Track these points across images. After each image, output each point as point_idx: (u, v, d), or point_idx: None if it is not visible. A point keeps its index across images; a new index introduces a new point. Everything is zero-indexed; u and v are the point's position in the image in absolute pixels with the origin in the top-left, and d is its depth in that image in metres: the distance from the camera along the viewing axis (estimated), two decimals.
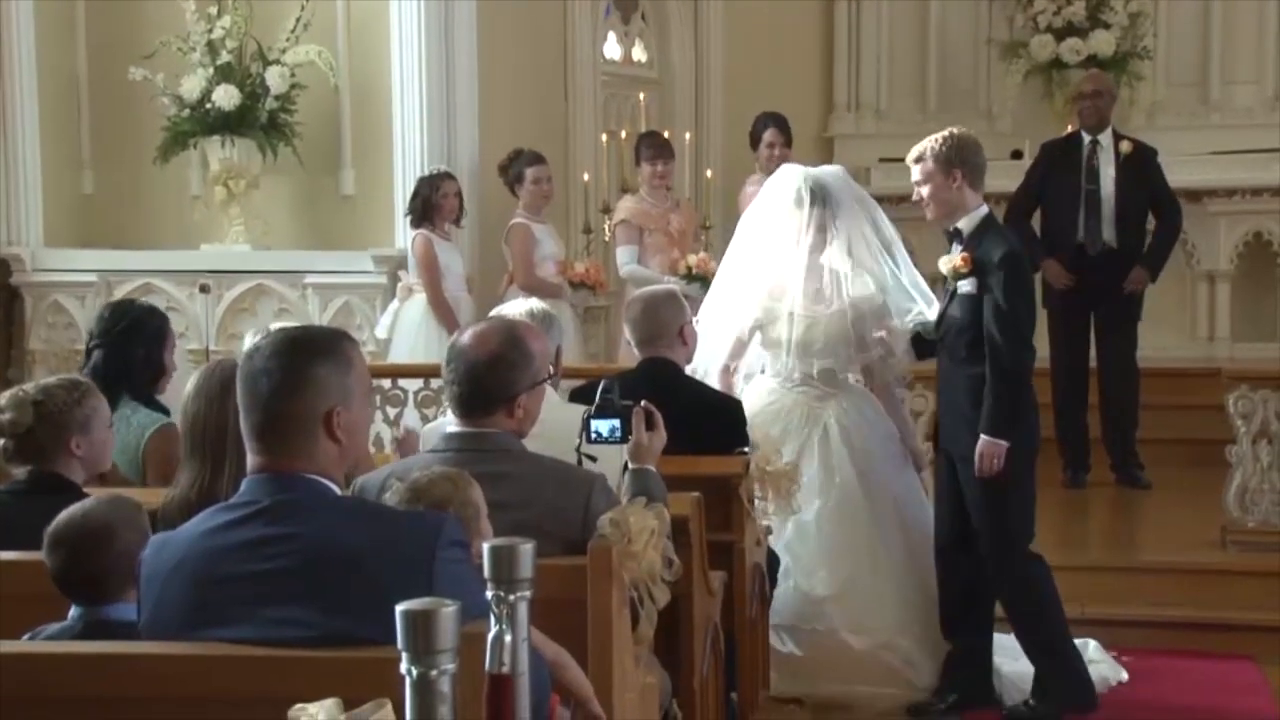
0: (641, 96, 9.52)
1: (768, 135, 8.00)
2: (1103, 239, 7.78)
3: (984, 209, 5.35)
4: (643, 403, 3.93)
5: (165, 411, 4.66)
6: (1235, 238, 9.27)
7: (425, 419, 6.50)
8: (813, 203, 5.62)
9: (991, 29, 10.06)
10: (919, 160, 5.31)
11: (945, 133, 5.37)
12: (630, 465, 3.89)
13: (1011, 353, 5.14)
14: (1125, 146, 7.85)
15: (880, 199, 9.48)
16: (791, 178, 5.73)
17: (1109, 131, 7.95)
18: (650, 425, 3.92)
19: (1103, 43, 9.54)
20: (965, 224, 5.29)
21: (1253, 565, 6.36)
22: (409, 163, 7.97)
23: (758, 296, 5.64)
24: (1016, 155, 9.43)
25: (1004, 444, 5.12)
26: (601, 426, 3.87)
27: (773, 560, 5.38)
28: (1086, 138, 7.93)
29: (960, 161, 5.24)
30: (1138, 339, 7.89)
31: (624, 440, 3.89)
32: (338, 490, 2.72)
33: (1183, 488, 7.02)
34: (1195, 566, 6.46)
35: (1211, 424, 6.81)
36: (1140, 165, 7.80)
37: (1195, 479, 6.97)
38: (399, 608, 1.84)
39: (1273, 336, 9.31)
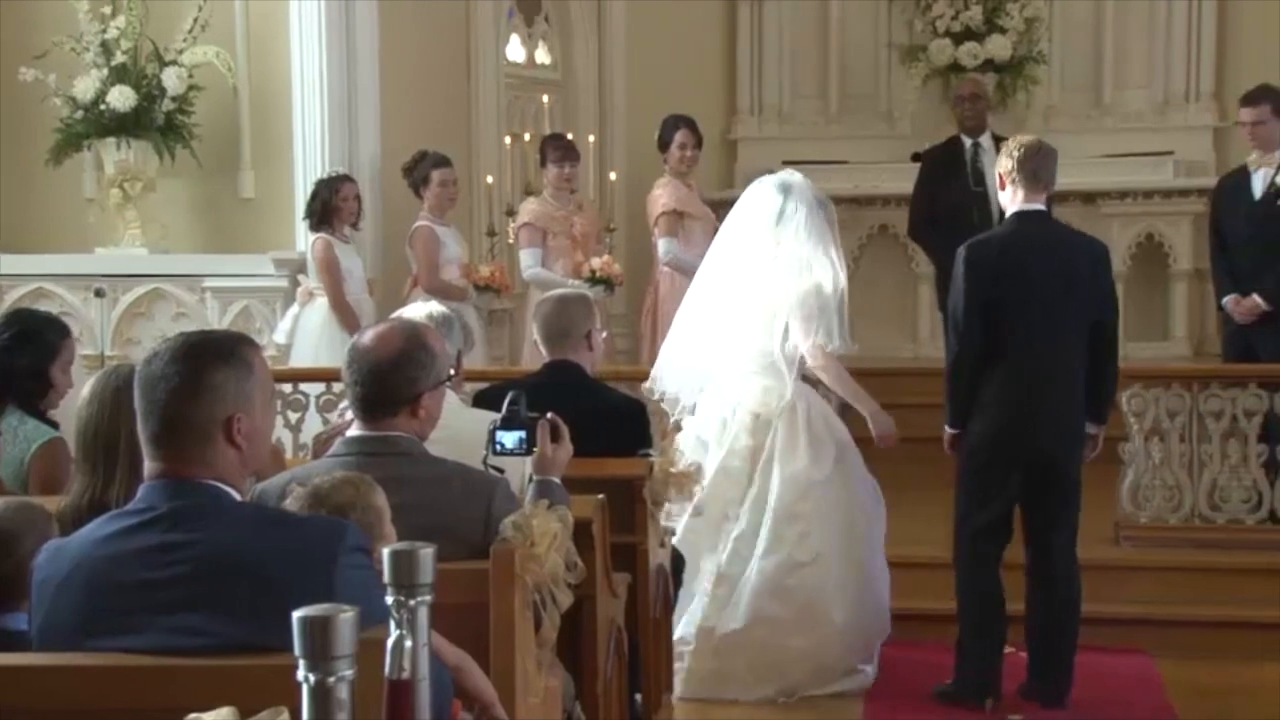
0: (545, 99, 9.51)
1: (679, 137, 8.03)
2: None
3: None
4: (549, 415, 3.92)
5: (54, 425, 4.55)
6: (1128, 239, 9.44)
7: (327, 423, 6.44)
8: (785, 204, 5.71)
9: (891, 33, 10.16)
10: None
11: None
12: (535, 477, 3.89)
13: (948, 346, 5.51)
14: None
15: None
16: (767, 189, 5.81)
17: (988, 134, 8.09)
18: (556, 437, 3.91)
19: (999, 47, 9.67)
20: None
21: (1146, 560, 6.49)
22: (310, 165, 7.89)
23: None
24: (916, 158, 9.53)
25: (949, 430, 5.49)
26: (507, 438, 3.86)
27: (677, 561, 5.40)
28: (967, 141, 8.06)
29: None
30: None
31: (529, 452, 3.88)
32: (238, 496, 2.70)
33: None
34: (1090, 562, 6.54)
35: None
36: None
37: (1090, 475, 7.05)
38: (296, 614, 1.82)
39: (1165, 336, 9.50)
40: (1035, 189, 5.45)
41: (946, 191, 7.96)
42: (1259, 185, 7.13)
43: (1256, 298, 7.01)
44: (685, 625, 5.58)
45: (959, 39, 9.75)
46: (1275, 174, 7.09)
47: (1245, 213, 7.14)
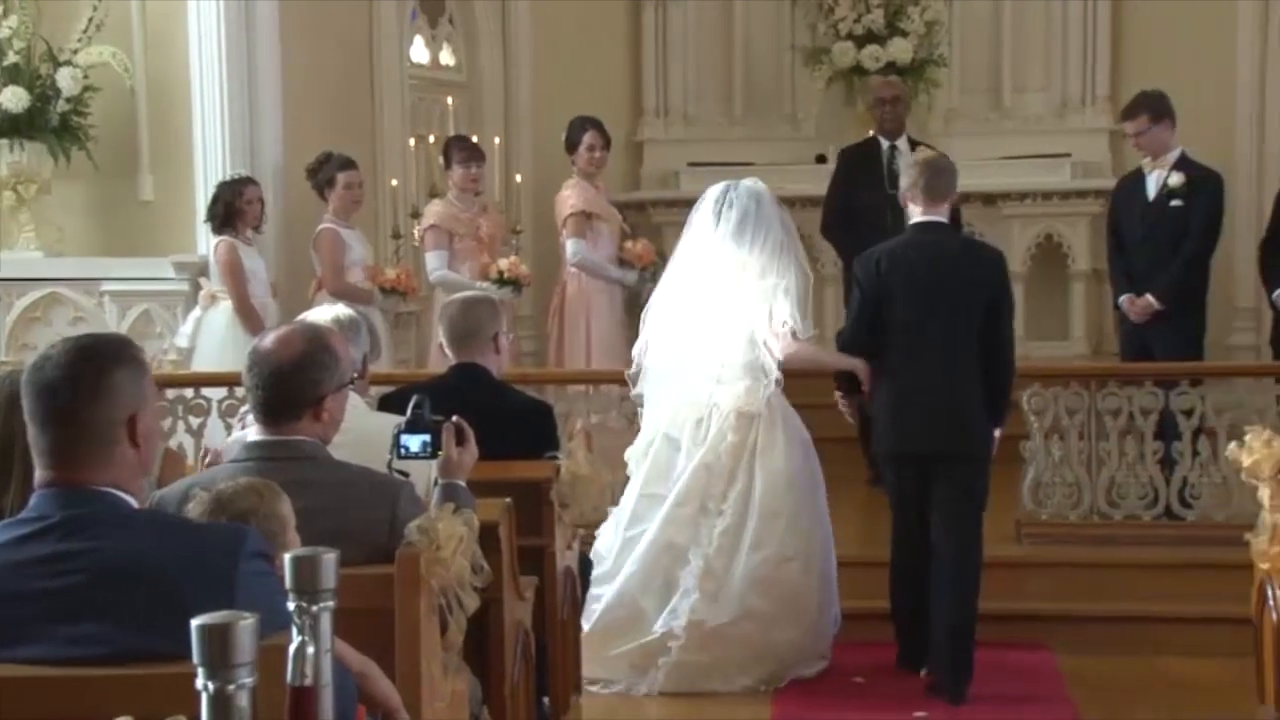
0: (449, 100, 9.46)
1: (587, 138, 8.02)
2: None
3: None
4: (454, 418, 3.91)
5: None
6: (1028, 240, 9.55)
7: (229, 428, 6.37)
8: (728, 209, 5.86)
9: (794, 35, 10.21)
10: None
11: None
12: (440, 480, 3.87)
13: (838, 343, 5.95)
14: (924, 152, 8.04)
15: (689, 203, 9.68)
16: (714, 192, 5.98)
17: (905, 137, 8.17)
18: (461, 440, 3.90)
19: (901, 50, 9.75)
20: None
21: (1047, 557, 6.58)
22: (210, 167, 7.80)
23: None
24: (821, 160, 9.62)
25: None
26: (412, 442, 3.84)
27: (585, 564, 5.41)
28: (884, 143, 8.13)
29: None
30: None
31: (434, 455, 3.86)
32: (134, 503, 2.67)
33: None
34: (992, 560, 6.64)
35: (1009, 420, 7.01)
36: None
37: (994, 473, 7.16)
38: (194, 622, 1.80)
39: (1065, 335, 9.63)
40: (933, 202, 5.74)
41: (861, 192, 8.02)
42: (1153, 187, 7.27)
43: (1149, 298, 7.15)
44: (672, 619, 5.65)
45: (861, 42, 9.82)
46: (1167, 175, 7.23)
47: (1140, 213, 7.28)
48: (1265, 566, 4.77)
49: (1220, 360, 7.96)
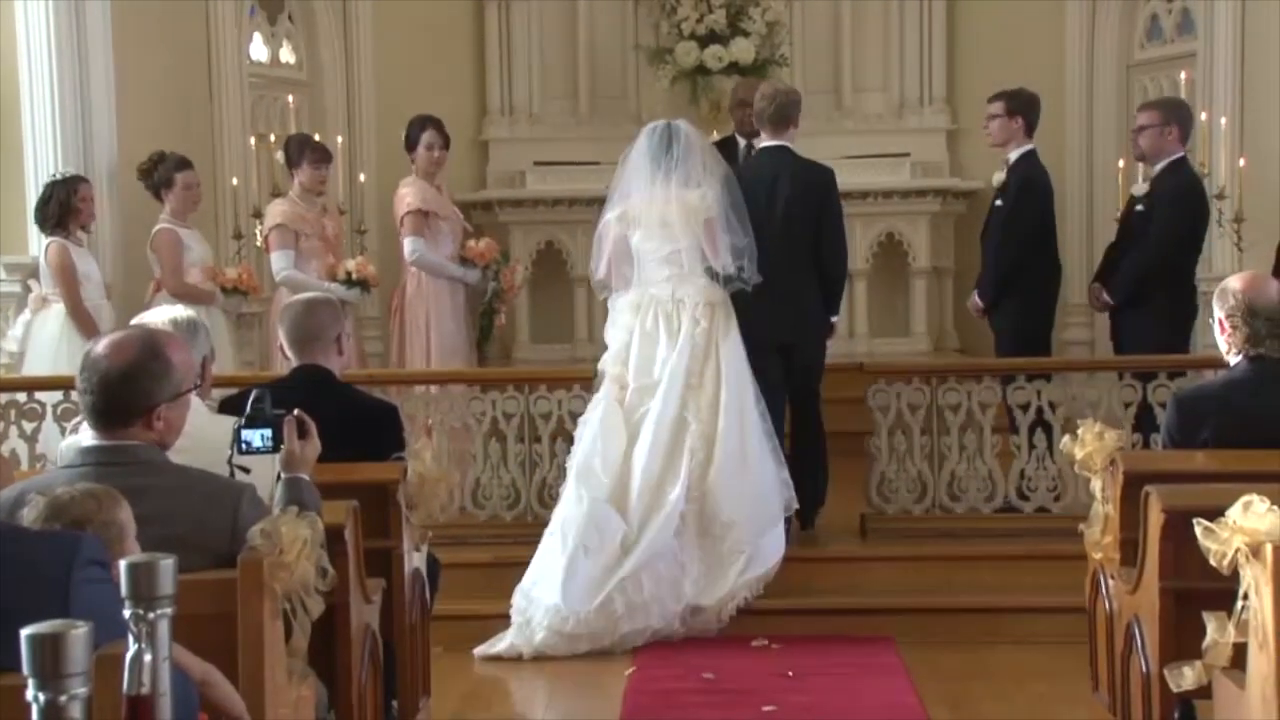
0: (290, 99, 9.32)
1: (426, 137, 7.94)
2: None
3: None
4: (295, 411, 3.87)
5: None
6: (870, 238, 9.70)
7: (64, 431, 6.21)
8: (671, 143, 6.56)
9: (638, 35, 10.25)
10: None
11: None
12: (283, 474, 3.83)
13: None
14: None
15: (536, 202, 9.71)
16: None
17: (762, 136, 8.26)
18: (303, 434, 3.87)
19: (743, 50, 9.85)
20: None
21: (891, 551, 6.70)
22: (41, 166, 7.60)
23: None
24: None
25: None
26: (253, 436, 3.80)
27: (433, 566, 5.37)
28: (742, 142, 8.21)
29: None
30: None
31: (276, 449, 3.82)
32: None
33: (829, 478, 7.34)
34: (837, 555, 6.76)
35: (854, 417, 7.14)
36: None
37: (840, 470, 7.27)
38: (24, 631, 1.75)
39: (906, 332, 9.81)
40: (777, 129, 6.88)
41: None
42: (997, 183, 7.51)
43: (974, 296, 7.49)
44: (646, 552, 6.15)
45: (704, 42, 9.89)
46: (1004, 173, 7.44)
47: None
48: (1098, 557, 4.90)
49: (1054, 355, 8.14)
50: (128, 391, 3.38)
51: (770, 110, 6.87)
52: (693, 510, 6.30)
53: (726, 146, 8.26)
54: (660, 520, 6.23)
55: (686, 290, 6.51)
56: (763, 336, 6.60)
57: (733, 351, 6.50)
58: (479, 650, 6.09)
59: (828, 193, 6.84)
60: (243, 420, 3.82)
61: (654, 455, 6.32)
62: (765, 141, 6.91)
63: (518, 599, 6.17)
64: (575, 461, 6.38)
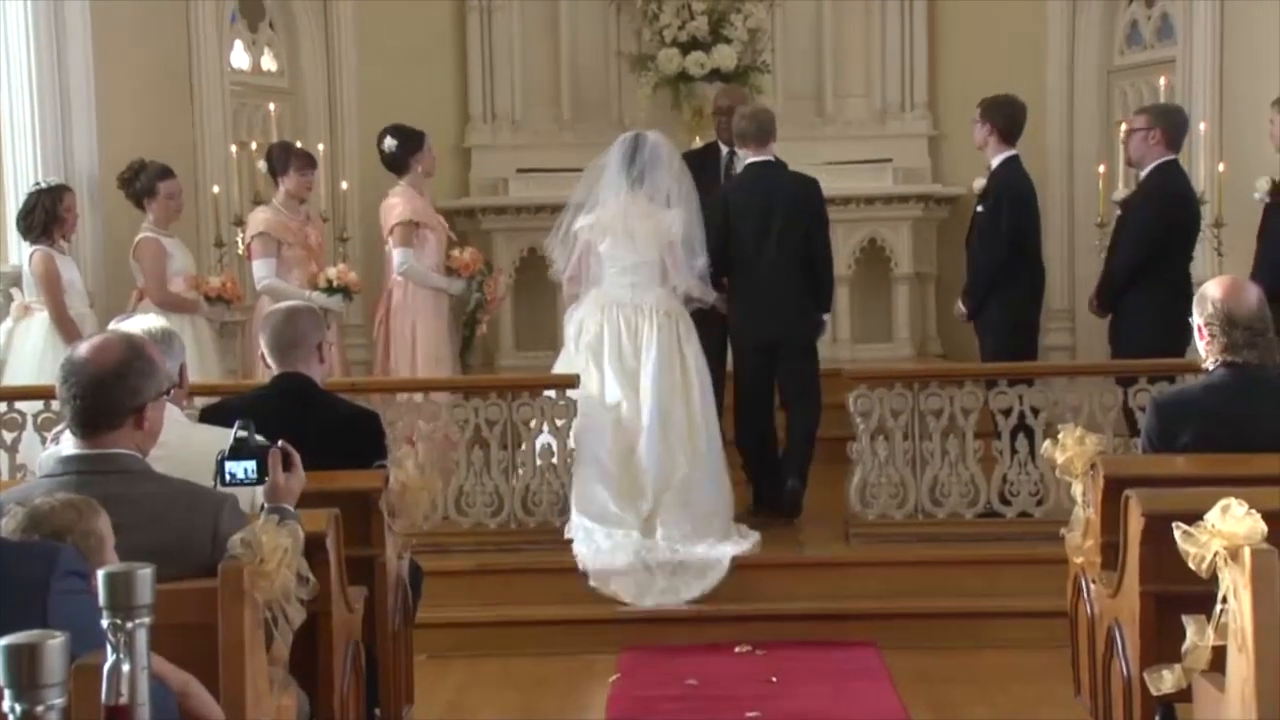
0: (272, 106, 9.31)
1: (428, 144, 8.02)
2: None
3: None
4: (280, 443, 3.83)
5: None
6: (852, 244, 9.70)
7: (45, 441, 6.19)
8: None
9: (620, 42, 10.25)
10: None
11: None
12: (266, 506, 3.78)
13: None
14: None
15: (519, 209, 9.70)
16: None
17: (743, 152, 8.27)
18: (288, 466, 3.82)
19: (725, 57, 9.86)
20: None
21: (873, 556, 6.71)
22: (21, 175, 7.57)
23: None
24: None
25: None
26: (237, 468, 3.73)
27: (415, 573, 5.36)
28: (724, 149, 8.22)
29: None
30: None
31: (260, 482, 3.78)
32: None
33: (812, 484, 7.36)
34: (820, 560, 6.77)
35: (836, 422, 7.16)
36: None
37: (822, 475, 7.29)
38: (1, 642, 1.75)
39: (889, 337, 9.82)
40: (761, 145, 7.40)
41: (702, 195, 8.10)
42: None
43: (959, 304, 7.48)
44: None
45: (686, 48, 9.90)
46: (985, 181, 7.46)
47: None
48: (1079, 560, 4.91)
49: (1037, 360, 8.15)
50: (118, 390, 3.38)
51: (754, 129, 7.37)
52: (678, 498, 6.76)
53: (708, 154, 8.27)
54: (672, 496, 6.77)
55: (646, 298, 7.00)
56: (755, 337, 7.26)
57: (699, 359, 6.99)
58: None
59: (819, 200, 7.43)
60: (226, 451, 3.77)
61: (652, 443, 6.80)
62: (752, 157, 7.38)
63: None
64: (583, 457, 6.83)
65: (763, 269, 7.21)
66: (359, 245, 9.07)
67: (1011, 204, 7.20)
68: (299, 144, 8.53)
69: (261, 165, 8.30)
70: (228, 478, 3.73)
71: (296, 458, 3.85)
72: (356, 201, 9.24)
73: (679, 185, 7.10)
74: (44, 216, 7.25)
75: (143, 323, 4.38)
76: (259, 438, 3.78)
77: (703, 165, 8.07)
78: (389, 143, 7.98)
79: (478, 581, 6.51)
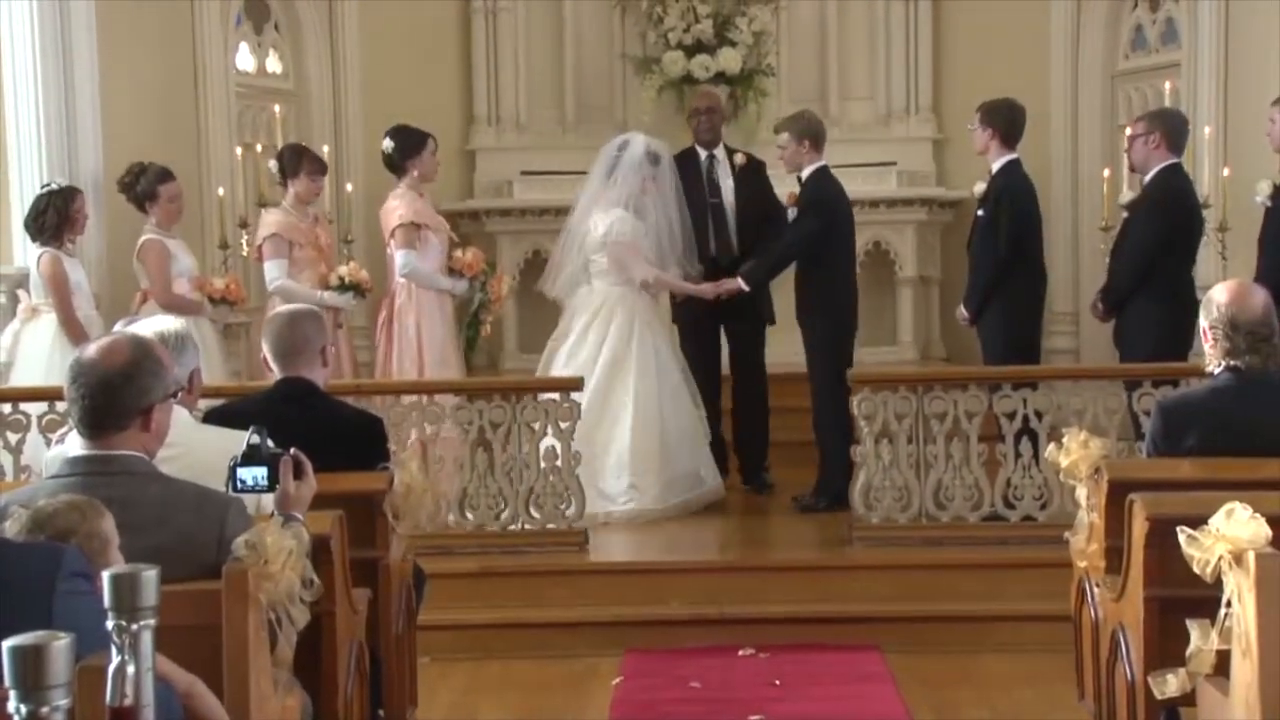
0: (277, 108, 9.31)
1: (431, 144, 8.02)
2: (732, 249, 8.09)
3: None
4: (292, 450, 3.83)
5: None
6: (857, 247, 9.68)
7: (49, 443, 6.20)
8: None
9: (625, 44, 10.25)
10: None
11: None
12: (276, 514, 3.79)
13: None
14: (740, 159, 8.22)
15: (523, 211, 9.71)
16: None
17: (722, 146, 8.29)
18: (299, 474, 3.82)
19: (730, 60, 9.87)
20: None
21: (877, 559, 6.70)
22: (27, 177, 7.58)
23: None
24: None
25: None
26: (248, 475, 3.74)
27: (418, 575, 5.37)
28: (703, 153, 8.22)
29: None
30: (765, 344, 8.19)
31: (271, 489, 3.78)
32: None
33: (811, 487, 7.36)
34: (823, 564, 6.77)
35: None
36: (753, 177, 8.18)
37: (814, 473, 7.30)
38: (5, 643, 1.75)
39: (893, 340, 9.82)
40: (822, 149, 7.82)
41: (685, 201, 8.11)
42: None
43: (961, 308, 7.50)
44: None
45: (691, 51, 9.91)
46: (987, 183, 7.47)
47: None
48: (1083, 564, 4.91)
49: (1039, 364, 8.14)
50: (127, 390, 3.39)
51: (819, 131, 7.86)
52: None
53: (687, 158, 8.24)
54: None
55: (614, 292, 7.75)
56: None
57: (661, 334, 7.84)
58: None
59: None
60: (238, 458, 3.77)
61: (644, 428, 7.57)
62: (820, 162, 7.78)
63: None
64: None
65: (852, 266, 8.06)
66: (363, 248, 9.07)
67: (1011, 208, 7.20)
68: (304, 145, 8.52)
69: (272, 165, 8.30)
70: (239, 484, 3.74)
71: (308, 466, 3.85)
72: (361, 204, 9.25)
73: (643, 192, 7.73)
74: (56, 218, 7.26)
75: (158, 324, 4.35)
76: (271, 445, 3.78)
77: (685, 170, 8.06)
78: (387, 144, 8.00)
79: (481, 584, 6.51)
